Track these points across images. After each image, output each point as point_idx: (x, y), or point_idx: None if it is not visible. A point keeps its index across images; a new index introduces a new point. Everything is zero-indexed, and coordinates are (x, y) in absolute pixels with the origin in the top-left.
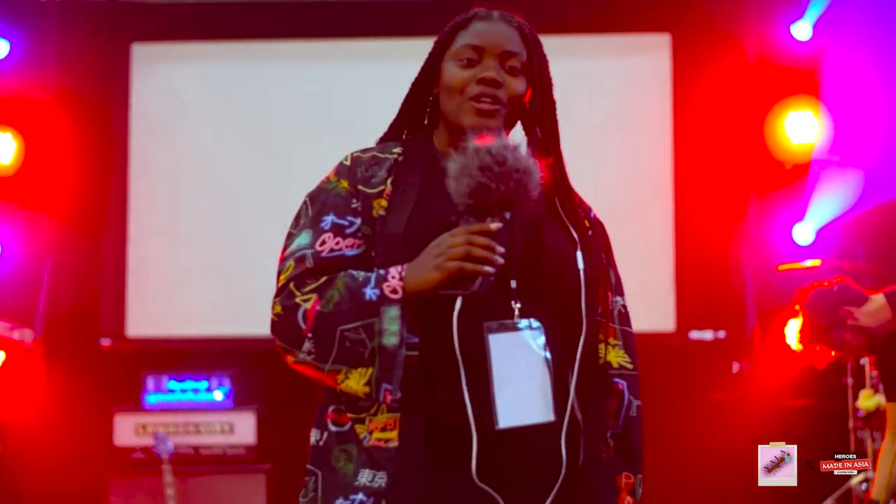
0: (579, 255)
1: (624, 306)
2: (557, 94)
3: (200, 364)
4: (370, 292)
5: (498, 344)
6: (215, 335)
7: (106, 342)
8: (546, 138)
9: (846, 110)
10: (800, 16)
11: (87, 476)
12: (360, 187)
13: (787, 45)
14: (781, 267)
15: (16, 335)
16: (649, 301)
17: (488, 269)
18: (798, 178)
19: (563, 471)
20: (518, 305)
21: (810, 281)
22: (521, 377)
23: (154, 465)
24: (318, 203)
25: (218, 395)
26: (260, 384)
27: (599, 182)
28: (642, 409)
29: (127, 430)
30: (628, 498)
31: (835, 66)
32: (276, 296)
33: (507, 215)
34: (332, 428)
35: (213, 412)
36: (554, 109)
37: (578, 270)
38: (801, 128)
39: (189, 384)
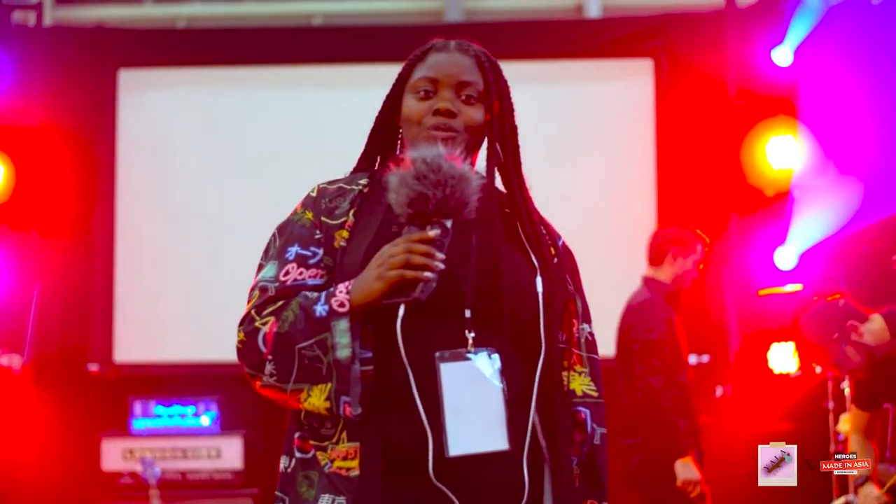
0: (538, 280)
1: (591, 333)
2: (541, 118)
3: (187, 389)
4: (320, 309)
5: (449, 373)
6: (202, 361)
7: (94, 367)
8: (508, 163)
9: (829, 133)
10: (780, 41)
11: (74, 500)
12: (324, 219)
13: (769, 70)
14: (762, 292)
15: (4, 361)
16: None
17: (428, 275)
18: (779, 203)
19: (525, 497)
20: (472, 335)
21: (804, 301)
22: (473, 406)
23: (141, 490)
24: (285, 234)
25: (205, 421)
26: (247, 409)
27: (582, 205)
28: (607, 436)
29: (114, 455)
30: None
31: (816, 90)
32: (240, 324)
33: (449, 224)
34: (298, 455)
35: (200, 437)
36: (515, 134)
37: (537, 294)
38: (781, 152)
39: (176, 409)
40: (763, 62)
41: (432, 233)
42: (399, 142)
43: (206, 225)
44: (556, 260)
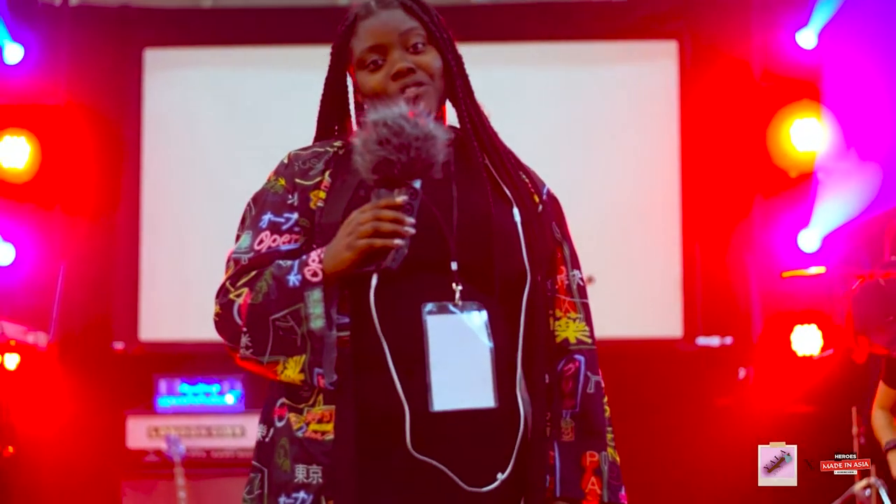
0: (515, 210)
1: (582, 279)
2: (565, 99)
3: (212, 367)
4: (293, 278)
5: (436, 326)
6: None
7: (119, 345)
8: (464, 97)
9: (853, 116)
10: (805, 24)
11: (99, 478)
12: (298, 180)
13: (793, 53)
14: (785, 274)
15: (30, 338)
16: (657, 307)
17: (398, 241)
18: (803, 185)
19: (514, 458)
20: (459, 288)
21: (861, 275)
22: (459, 360)
23: (166, 467)
24: (259, 203)
25: (230, 399)
26: None
27: (607, 188)
28: (601, 385)
29: (139, 433)
30: (593, 478)
31: (840, 73)
32: (216, 297)
33: (418, 184)
34: (277, 423)
35: (224, 415)
36: (462, 65)
37: (516, 224)
38: (806, 135)
39: (201, 388)
40: (788, 44)
41: (400, 199)
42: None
43: (230, 204)
44: (541, 208)
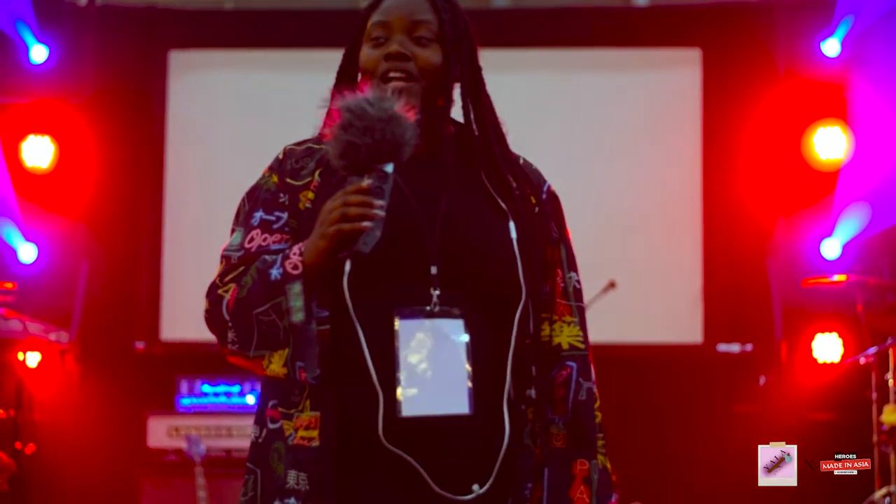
0: (511, 225)
1: (578, 281)
2: (588, 106)
3: (233, 368)
4: (275, 272)
5: (406, 329)
6: None
7: (140, 345)
8: (474, 106)
9: (877, 124)
10: (830, 33)
11: (119, 477)
12: (289, 180)
13: (817, 61)
14: (808, 281)
15: (52, 337)
16: (677, 313)
17: (366, 224)
18: (826, 194)
19: (500, 461)
20: (437, 292)
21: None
22: (432, 365)
23: (186, 467)
24: (252, 199)
25: (250, 399)
26: None
27: (629, 195)
28: (593, 391)
29: (160, 433)
30: (582, 486)
31: (864, 81)
32: (206, 294)
33: (390, 168)
34: (270, 425)
35: (245, 416)
36: (479, 75)
37: (512, 241)
38: (829, 144)
39: (222, 388)
40: (812, 53)
41: (366, 182)
42: None
43: None
44: (537, 209)
